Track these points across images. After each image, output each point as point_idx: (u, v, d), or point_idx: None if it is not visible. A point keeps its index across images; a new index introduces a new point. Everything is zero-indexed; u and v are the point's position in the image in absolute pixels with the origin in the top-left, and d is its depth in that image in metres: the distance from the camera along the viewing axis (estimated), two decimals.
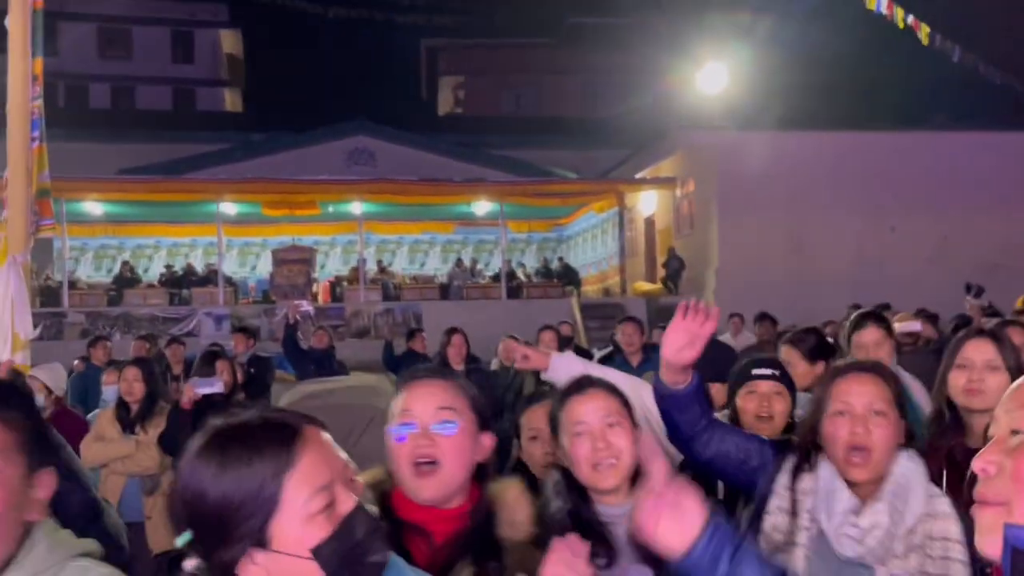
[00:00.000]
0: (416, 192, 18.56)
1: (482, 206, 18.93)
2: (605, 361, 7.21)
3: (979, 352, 2.58)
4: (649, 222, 20.05)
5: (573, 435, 2.04)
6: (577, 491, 2.04)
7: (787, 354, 4.02)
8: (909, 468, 2.03)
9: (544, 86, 30.49)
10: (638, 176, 20.26)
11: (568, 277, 19.69)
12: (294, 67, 39.55)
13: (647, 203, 19.67)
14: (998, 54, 19.73)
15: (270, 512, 1.15)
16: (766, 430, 2.68)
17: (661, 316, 15.05)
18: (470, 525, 1.65)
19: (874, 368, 2.13)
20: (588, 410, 2.04)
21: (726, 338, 9.48)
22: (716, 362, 3.86)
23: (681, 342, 2.06)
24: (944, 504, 2.00)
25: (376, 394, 5.96)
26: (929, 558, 1.96)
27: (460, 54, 31.72)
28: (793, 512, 2.08)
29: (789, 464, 2.14)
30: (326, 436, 1.24)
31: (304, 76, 40.33)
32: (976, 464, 1.15)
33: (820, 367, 4.11)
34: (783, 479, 2.13)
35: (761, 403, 2.81)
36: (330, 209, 18.47)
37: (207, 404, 4.73)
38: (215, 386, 4.70)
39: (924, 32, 18.42)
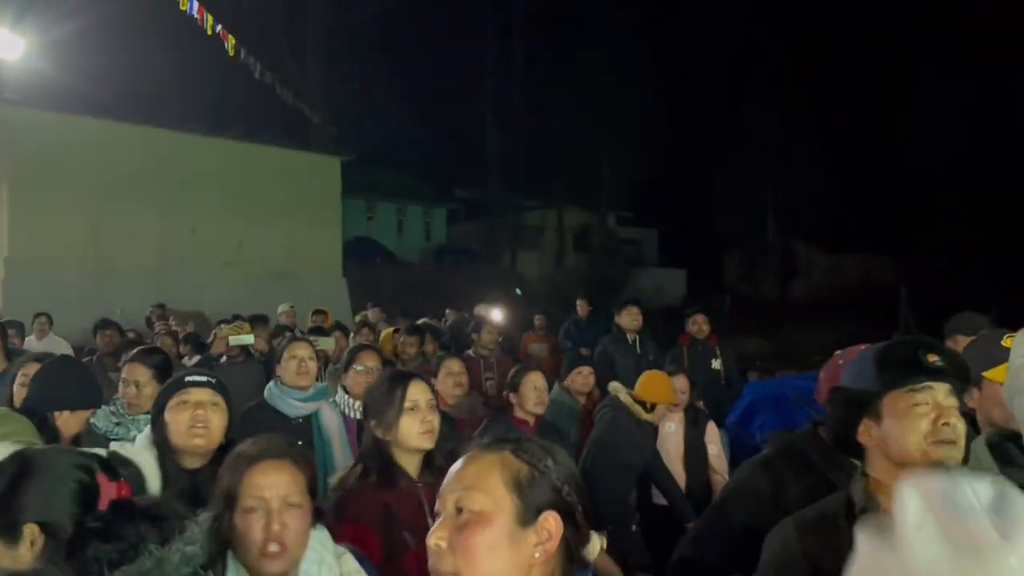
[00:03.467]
0: None
1: None
2: None
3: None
4: None
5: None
6: None
7: (134, 372, 3.79)
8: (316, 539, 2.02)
9: None
10: None
11: None
12: None
13: None
14: (292, 78, 21.92)
15: None
16: (202, 444, 2.52)
17: None
18: None
19: (288, 454, 2.01)
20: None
21: (30, 342, 8.58)
22: (80, 394, 3.51)
23: None
24: (351, 562, 2.07)
25: None
26: None
27: None
28: None
29: None
30: None
31: None
32: (429, 540, 1.28)
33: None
34: None
35: (196, 413, 2.57)
36: None
37: None
38: None
39: (231, 43, 19.49)
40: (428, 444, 2.60)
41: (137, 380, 3.64)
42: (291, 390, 3.99)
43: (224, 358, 6.48)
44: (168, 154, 17.48)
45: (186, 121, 19.53)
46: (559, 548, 1.29)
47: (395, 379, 2.76)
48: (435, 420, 2.66)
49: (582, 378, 5.23)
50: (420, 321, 8.52)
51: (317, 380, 4.17)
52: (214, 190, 18.05)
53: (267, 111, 21.84)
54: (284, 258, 18.97)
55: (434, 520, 1.32)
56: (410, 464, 2.60)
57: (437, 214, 31.95)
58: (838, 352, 2.67)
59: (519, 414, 4.40)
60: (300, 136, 22.34)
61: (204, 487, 2.44)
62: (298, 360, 4.03)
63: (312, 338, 5.12)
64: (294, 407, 3.94)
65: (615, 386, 4.80)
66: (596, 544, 3.23)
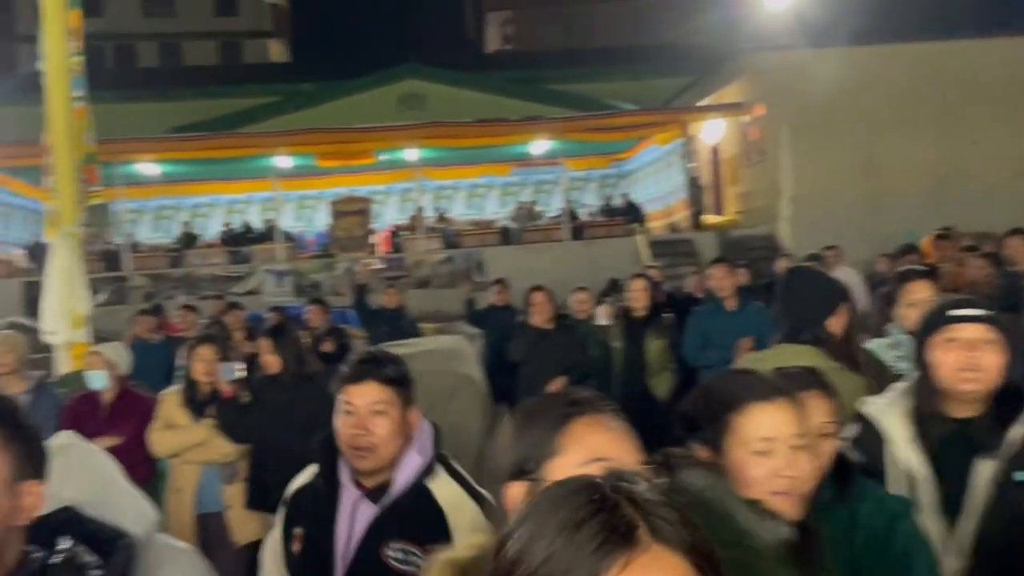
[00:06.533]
0: (471, 134, 18.02)
1: (539, 145, 18.30)
2: (691, 307, 6.72)
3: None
4: (714, 152, 19.23)
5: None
6: None
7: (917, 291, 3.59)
8: None
9: (595, 15, 29.39)
10: (701, 104, 19.37)
11: (632, 214, 19.06)
12: (338, 13, 38.95)
13: (712, 132, 18.82)
14: None
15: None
16: (970, 387, 2.19)
17: (733, 250, 14.42)
18: None
19: None
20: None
21: None
22: (827, 295, 3.38)
23: None
24: None
25: (456, 358, 5.61)
26: None
27: None
28: None
29: None
30: None
31: (348, 21, 39.78)
32: None
33: None
34: None
35: (967, 353, 2.21)
36: (384, 157, 18.04)
37: (267, 382, 4.46)
38: (235, 372, 4.43)
39: None
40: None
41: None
42: None
43: None
44: (938, 67, 16.35)
45: (952, 26, 17.97)
46: None
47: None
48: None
49: None
50: None
51: None
52: (996, 94, 16.25)
53: None
54: None
55: None
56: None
57: None
58: None
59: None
60: None
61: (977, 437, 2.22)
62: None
63: None
64: None
65: None
66: None
